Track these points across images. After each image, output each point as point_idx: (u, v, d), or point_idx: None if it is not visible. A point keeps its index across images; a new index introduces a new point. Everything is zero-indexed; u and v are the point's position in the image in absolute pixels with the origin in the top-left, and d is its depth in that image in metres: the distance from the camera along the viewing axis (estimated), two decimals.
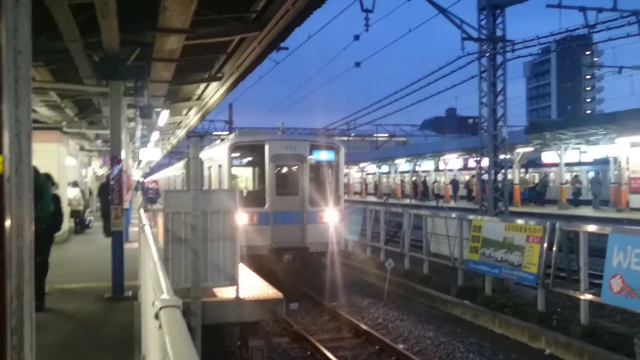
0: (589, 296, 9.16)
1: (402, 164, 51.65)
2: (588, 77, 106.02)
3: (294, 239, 13.26)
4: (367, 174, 62.52)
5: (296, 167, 13.80)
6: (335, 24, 18.31)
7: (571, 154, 32.26)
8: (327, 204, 13.54)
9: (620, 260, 8.28)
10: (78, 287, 10.17)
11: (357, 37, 20.75)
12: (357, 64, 25.19)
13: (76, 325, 7.71)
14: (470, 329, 10.83)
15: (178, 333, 1.73)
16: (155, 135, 23.25)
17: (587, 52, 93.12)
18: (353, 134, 59.94)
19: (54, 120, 17.98)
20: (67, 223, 18.40)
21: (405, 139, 65.74)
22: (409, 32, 19.95)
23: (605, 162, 31.25)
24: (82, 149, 25.30)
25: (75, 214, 19.69)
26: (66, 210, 18.38)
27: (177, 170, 28.57)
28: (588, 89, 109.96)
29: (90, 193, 26.79)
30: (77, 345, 6.78)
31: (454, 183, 42.50)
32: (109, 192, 10.19)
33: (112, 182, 10.05)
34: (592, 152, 32.79)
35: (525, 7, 18.37)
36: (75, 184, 20.25)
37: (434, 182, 48.93)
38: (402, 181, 53.29)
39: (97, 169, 32.82)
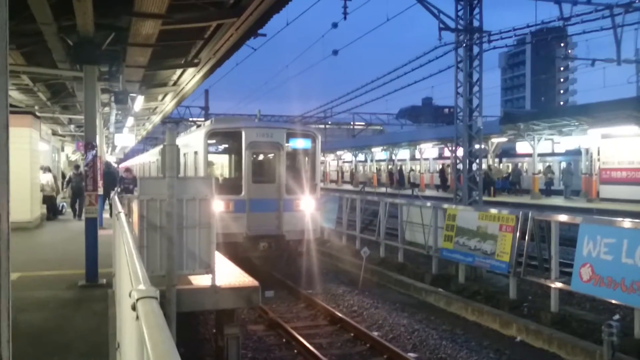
0: (559, 284, 9.36)
1: (379, 153, 51.87)
2: (562, 69, 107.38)
3: (270, 227, 13.26)
4: (344, 162, 62.66)
5: (273, 154, 13.76)
6: (314, 12, 18.27)
7: (544, 145, 32.73)
8: (304, 191, 13.56)
9: (590, 250, 8.47)
10: (51, 274, 10.04)
11: (335, 25, 20.74)
12: (335, 52, 25.21)
13: (49, 313, 7.62)
14: (443, 316, 10.99)
15: (156, 325, 1.73)
16: (130, 121, 22.95)
17: (562, 45, 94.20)
18: (330, 122, 60.04)
19: (26, 104, 17.64)
20: (39, 209, 18.15)
21: (381, 128, 66.06)
22: (387, 21, 20.02)
23: (577, 153, 31.78)
24: (54, 133, 24.87)
25: (48, 200, 19.38)
26: (38, 195, 18.13)
27: (152, 156, 28.28)
28: (562, 80, 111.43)
29: (63, 177, 26.39)
30: (50, 333, 6.71)
31: (442, 173, 40.63)
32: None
33: (85, 169, 9.92)
34: (565, 143, 33.30)
35: None
36: (47, 169, 19.92)
37: (410, 170, 49.26)
38: (378, 170, 53.55)
39: (70, 154, 32.32)
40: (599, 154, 27.80)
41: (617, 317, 8.77)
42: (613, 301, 8.28)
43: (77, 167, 21.03)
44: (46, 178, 19.13)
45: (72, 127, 24.71)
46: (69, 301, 8.33)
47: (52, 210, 19.79)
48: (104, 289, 8.88)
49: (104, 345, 6.06)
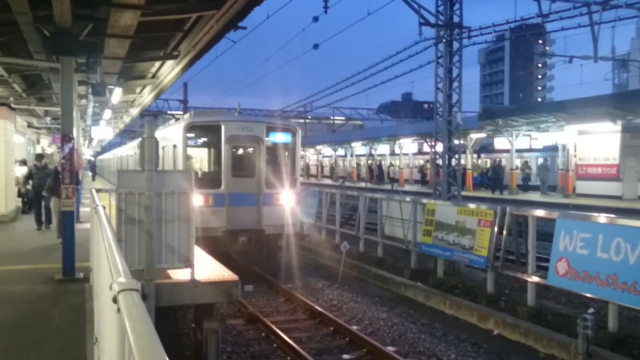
0: (536, 278, 9.49)
1: (358, 147, 51.96)
2: (540, 65, 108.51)
3: (250, 221, 13.23)
4: (324, 156, 62.64)
5: (252, 148, 13.71)
6: (295, 5, 18.21)
7: (522, 141, 33.05)
8: (283, 186, 13.53)
9: (566, 244, 8.59)
10: (26, 268, 9.90)
11: (316, 19, 20.69)
12: (316, 46, 25.16)
13: (25, 307, 7.51)
14: (422, 310, 11.08)
15: (138, 317, 1.71)
16: (107, 114, 22.64)
17: (540, 41, 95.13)
18: (310, 117, 59.99)
19: (1, 95, 17.30)
20: (14, 202, 17.84)
21: (361, 123, 66.16)
22: (367, 15, 20.03)
23: (554, 149, 32.16)
24: (30, 125, 24.45)
25: (23, 194, 19.05)
26: (13, 188, 17.81)
27: (130, 149, 27.97)
28: (540, 77, 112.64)
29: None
30: (25, 328, 6.62)
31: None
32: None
33: (62, 161, 9.76)
34: (542, 139, 33.71)
35: None
36: (23, 162, 19.58)
37: (390, 165, 49.43)
38: (358, 164, 53.63)
39: (46, 146, 31.83)
40: (575, 150, 28.18)
41: (591, 310, 8.92)
42: (588, 295, 8.41)
43: (39, 156, 16.81)
44: (21, 171, 18.80)
45: (48, 119, 24.31)
46: (45, 295, 8.22)
47: (28, 204, 19.46)
48: (81, 283, 8.78)
49: (82, 340, 5.99)
